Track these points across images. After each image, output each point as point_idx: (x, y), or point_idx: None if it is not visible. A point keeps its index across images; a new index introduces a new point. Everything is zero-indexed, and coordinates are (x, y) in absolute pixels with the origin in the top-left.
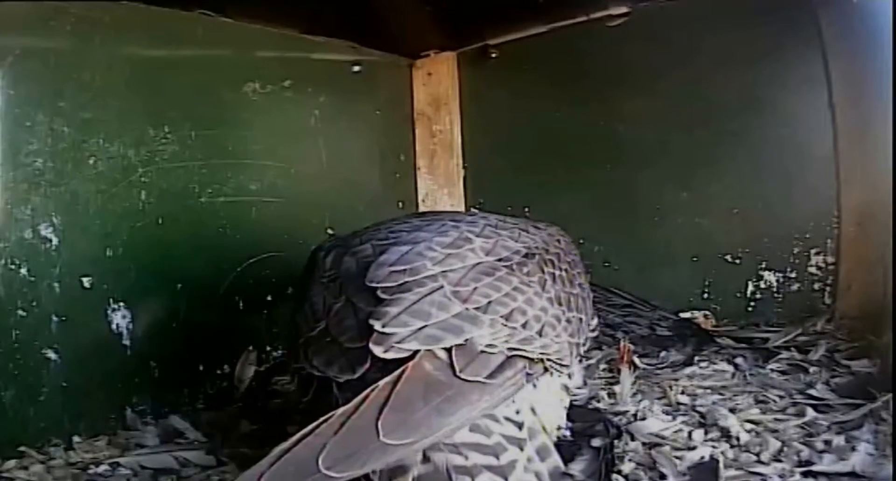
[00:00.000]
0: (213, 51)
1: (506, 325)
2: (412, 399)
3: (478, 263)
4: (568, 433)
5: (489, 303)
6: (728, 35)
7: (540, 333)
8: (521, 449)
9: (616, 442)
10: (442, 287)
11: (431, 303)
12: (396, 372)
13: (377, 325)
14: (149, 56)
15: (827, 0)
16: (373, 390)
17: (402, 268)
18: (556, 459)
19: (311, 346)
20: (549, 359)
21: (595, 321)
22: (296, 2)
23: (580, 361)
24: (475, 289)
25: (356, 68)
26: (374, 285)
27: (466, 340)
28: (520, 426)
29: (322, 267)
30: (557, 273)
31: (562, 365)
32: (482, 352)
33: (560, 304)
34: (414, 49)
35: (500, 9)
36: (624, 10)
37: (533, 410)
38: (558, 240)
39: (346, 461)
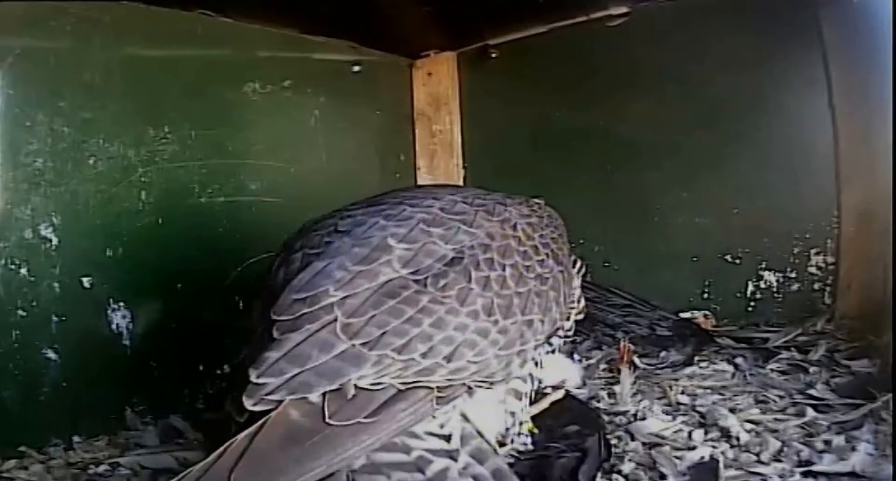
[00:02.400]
0: (213, 51)
1: (397, 359)
2: (269, 450)
3: (388, 281)
4: (528, 440)
5: (382, 334)
6: (728, 36)
7: (449, 358)
8: (454, 459)
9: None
10: (334, 320)
11: (314, 343)
12: (259, 423)
13: (252, 375)
14: (149, 56)
15: (828, 1)
16: (232, 442)
17: (305, 295)
18: (496, 461)
19: (233, 376)
20: (472, 381)
21: (579, 303)
22: (296, 2)
23: (536, 365)
24: (371, 317)
25: (356, 68)
26: (274, 318)
27: (341, 385)
28: (447, 438)
29: (269, 269)
30: (495, 274)
31: (490, 383)
32: (363, 390)
33: (490, 315)
34: (414, 49)
35: (500, 9)
36: (624, 10)
37: (465, 417)
38: (514, 226)
39: None
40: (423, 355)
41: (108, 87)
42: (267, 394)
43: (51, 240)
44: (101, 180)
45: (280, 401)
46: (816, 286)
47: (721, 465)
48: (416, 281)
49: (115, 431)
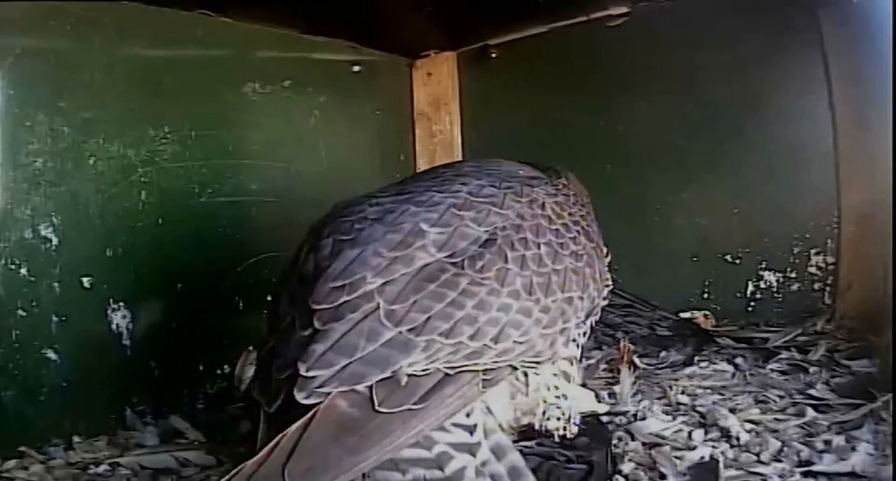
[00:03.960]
0: (213, 51)
1: (445, 343)
2: (322, 441)
3: (425, 265)
4: (575, 428)
5: (427, 319)
6: (728, 36)
7: (496, 339)
8: (473, 455)
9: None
10: (377, 308)
11: (360, 332)
12: (309, 414)
13: (302, 369)
14: (149, 56)
15: (828, 1)
16: (283, 436)
17: (342, 283)
18: (513, 458)
19: (259, 364)
20: (519, 362)
21: (605, 287)
22: (296, 2)
23: (581, 340)
24: (414, 303)
25: (356, 68)
26: (314, 307)
27: (393, 372)
28: (471, 429)
29: (297, 254)
30: (531, 253)
31: (537, 363)
32: (411, 376)
33: (531, 294)
34: (414, 49)
35: (500, 9)
36: (624, 10)
37: (488, 409)
38: (543, 206)
39: None
40: (471, 338)
41: (108, 87)
42: (318, 387)
43: (51, 240)
44: (101, 180)
45: (331, 395)
46: (816, 286)
47: (721, 465)
48: (453, 264)
49: (115, 431)
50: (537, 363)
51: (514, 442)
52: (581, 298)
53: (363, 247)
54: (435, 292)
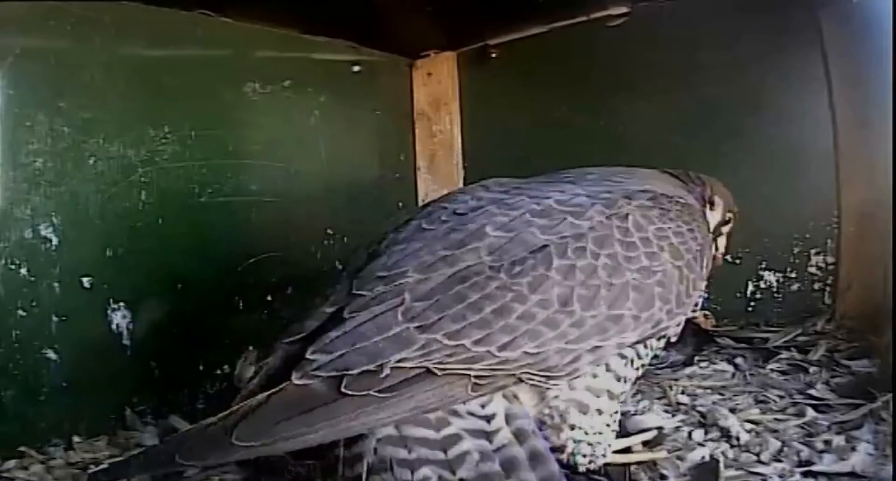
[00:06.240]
0: (213, 51)
1: (446, 344)
2: (279, 409)
3: (467, 267)
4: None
5: (440, 318)
6: (728, 35)
7: (503, 347)
8: (489, 441)
9: None
10: (401, 303)
11: (375, 324)
12: (281, 385)
13: (308, 351)
14: (149, 56)
15: (828, 1)
16: (251, 401)
17: (385, 274)
18: (535, 443)
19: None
20: (524, 373)
21: (681, 314)
22: (296, 2)
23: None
24: (436, 301)
25: (356, 68)
26: (354, 292)
27: (378, 366)
28: (489, 418)
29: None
30: (583, 263)
31: (547, 377)
32: (395, 368)
33: (566, 305)
34: (414, 49)
35: (500, 9)
36: (624, 10)
37: (515, 396)
38: (625, 217)
39: (196, 455)
40: (476, 342)
41: (108, 87)
42: (313, 370)
43: (51, 240)
44: (101, 180)
45: (320, 379)
46: (816, 286)
47: (721, 465)
48: (491, 267)
49: (115, 431)
50: (548, 378)
51: None
52: (636, 317)
53: (426, 241)
54: (459, 293)
